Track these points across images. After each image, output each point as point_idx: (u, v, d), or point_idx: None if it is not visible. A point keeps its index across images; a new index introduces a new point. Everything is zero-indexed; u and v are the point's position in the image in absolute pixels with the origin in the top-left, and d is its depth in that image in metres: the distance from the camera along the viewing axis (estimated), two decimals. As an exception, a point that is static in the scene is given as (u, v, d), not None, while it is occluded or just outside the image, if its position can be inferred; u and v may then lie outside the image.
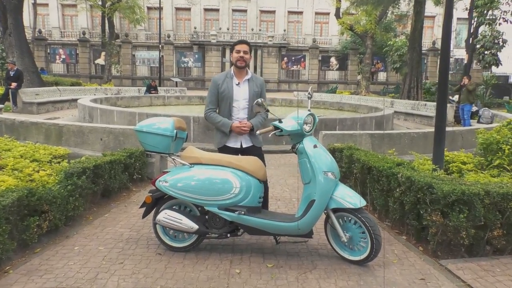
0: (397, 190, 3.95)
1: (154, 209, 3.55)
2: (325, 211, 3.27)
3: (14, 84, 13.85)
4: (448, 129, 5.25)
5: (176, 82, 28.74)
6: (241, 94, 3.71)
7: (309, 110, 3.39)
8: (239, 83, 3.72)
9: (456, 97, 15.06)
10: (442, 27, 4.79)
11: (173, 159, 3.52)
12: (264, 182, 3.50)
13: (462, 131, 7.38)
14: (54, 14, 37.57)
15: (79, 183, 4.13)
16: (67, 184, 4.00)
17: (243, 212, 3.24)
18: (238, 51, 3.65)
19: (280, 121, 3.26)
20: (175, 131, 3.43)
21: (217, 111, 3.81)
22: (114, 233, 3.92)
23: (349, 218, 3.26)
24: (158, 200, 3.54)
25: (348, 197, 3.18)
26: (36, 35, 31.99)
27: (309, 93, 3.61)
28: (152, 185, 3.52)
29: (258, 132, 3.33)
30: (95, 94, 17.36)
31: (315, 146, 3.23)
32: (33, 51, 30.73)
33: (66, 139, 6.47)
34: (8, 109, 14.09)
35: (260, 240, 3.77)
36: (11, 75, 13.96)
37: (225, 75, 3.77)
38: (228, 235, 3.41)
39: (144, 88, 20.00)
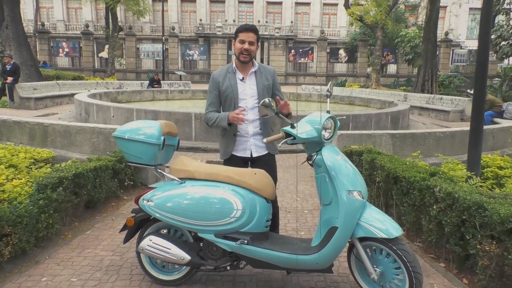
0: (434, 207, 3.26)
1: (138, 233, 2.92)
2: (350, 239, 2.59)
3: (10, 79, 13.28)
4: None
5: (180, 75, 28.07)
6: (247, 91, 2.99)
7: (328, 112, 2.69)
8: (243, 78, 3.01)
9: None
10: (480, 17, 4.12)
11: (161, 172, 2.87)
12: (273, 201, 2.83)
13: (493, 130, 6.63)
14: (58, 7, 37.01)
15: (53, 197, 3.49)
16: (38, 198, 3.37)
17: (246, 241, 2.57)
18: (242, 41, 2.89)
19: (292, 126, 2.55)
20: (162, 137, 2.76)
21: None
22: (93, 258, 3.29)
23: (380, 249, 2.58)
24: (143, 222, 2.89)
25: (379, 223, 2.48)
26: (38, 28, 31.38)
27: (328, 90, 2.91)
28: (135, 203, 2.87)
29: (265, 140, 2.62)
30: (95, 89, 16.75)
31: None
32: (35, 44, 30.30)
33: (52, 140, 5.84)
34: (5, 105, 13.56)
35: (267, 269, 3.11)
36: (8, 69, 13.36)
37: (225, 70, 3.05)
38: (228, 267, 2.75)
39: (147, 82, 19.39)
